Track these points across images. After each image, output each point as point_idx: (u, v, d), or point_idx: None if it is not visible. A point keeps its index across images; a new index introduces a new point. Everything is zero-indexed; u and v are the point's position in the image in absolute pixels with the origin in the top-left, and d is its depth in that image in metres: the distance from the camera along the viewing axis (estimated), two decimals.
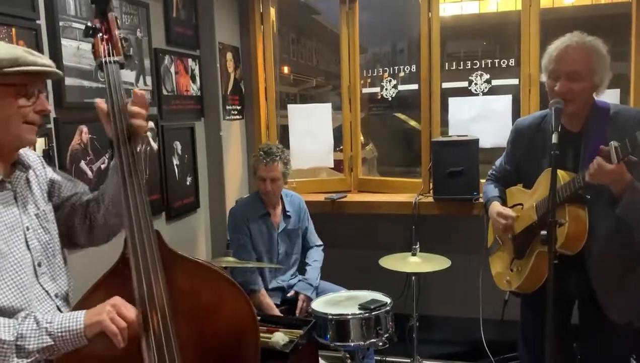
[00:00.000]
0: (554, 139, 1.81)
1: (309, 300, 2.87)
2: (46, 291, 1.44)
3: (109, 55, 1.59)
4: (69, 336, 1.31)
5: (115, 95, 1.57)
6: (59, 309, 1.46)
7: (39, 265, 1.44)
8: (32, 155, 1.59)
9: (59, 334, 1.30)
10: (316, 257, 3.15)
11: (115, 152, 1.52)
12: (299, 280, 3.03)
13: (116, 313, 1.34)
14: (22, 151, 1.50)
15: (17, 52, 1.37)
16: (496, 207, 2.24)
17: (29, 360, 1.28)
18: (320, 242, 3.22)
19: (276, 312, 2.84)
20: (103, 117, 1.53)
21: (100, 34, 1.61)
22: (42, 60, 1.41)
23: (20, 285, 1.36)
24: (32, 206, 1.49)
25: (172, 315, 1.45)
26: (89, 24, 1.62)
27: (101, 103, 1.52)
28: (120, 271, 1.49)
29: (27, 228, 1.43)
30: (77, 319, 1.33)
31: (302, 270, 3.13)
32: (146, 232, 1.48)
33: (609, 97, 2.11)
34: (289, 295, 2.96)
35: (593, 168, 1.80)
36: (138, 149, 1.55)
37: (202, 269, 1.58)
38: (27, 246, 1.43)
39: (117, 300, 1.37)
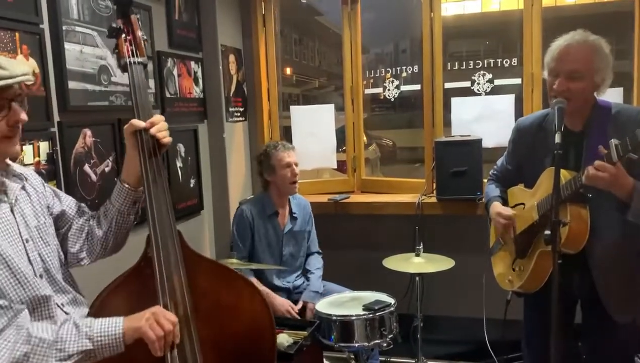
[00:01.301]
0: (557, 138, 1.81)
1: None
2: (54, 302, 1.42)
3: (134, 56, 1.60)
4: (108, 340, 1.31)
5: (140, 96, 1.58)
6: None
7: (41, 277, 1.42)
8: (30, 172, 1.57)
9: (99, 338, 1.30)
10: (318, 264, 3.15)
11: (140, 160, 1.53)
12: (305, 289, 3.02)
13: (155, 321, 1.34)
14: (16, 167, 1.48)
15: None
16: (496, 207, 2.25)
17: None
18: (319, 249, 3.23)
19: (273, 295, 2.83)
20: (130, 133, 1.55)
21: (124, 35, 1.62)
22: (14, 69, 1.32)
23: (26, 285, 1.34)
24: (32, 218, 1.46)
25: (193, 314, 1.46)
26: (114, 24, 1.63)
27: (137, 122, 1.54)
28: (142, 269, 1.50)
29: (27, 240, 1.40)
30: (117, 324, 1.33)
31: (305, 273, 3.14)
32: (169, 232, 1.50)
33: (612, 95, 2.11)
34: (297, 307, 2.93)
35: (591, 171, 1.79)
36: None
37: (221, 270, 1.61)
38: (28, 258, 1.40)
39: (157, 309, 1.38)
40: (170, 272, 1.45)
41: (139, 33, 1.63)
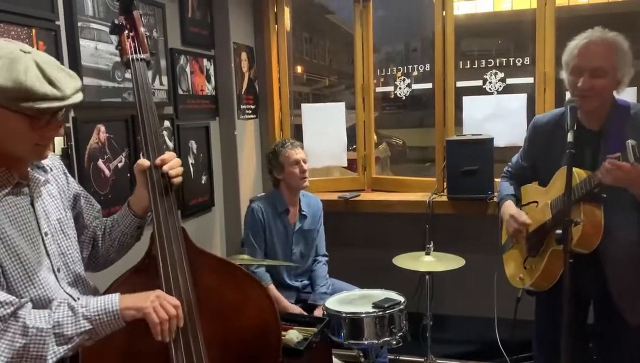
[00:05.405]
0: (570, 137, 1.80)
1: None
2: (69, 295, 1.43)
3: (136, 53, 1.59)
4: (107, 318, 1.30)
5: (143, 94, 1.56)
6: None
7: (58, 271, 1.42)
8: (55, 161, 1.55)
9: (96, 317, 1.29)
10: (323, 273, 3.10)
11: (150, 199, 1.50)
12: (311, 292, 3.03)
13: (159, 304, 1.33)
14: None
15: (28, 82, 1.19)
16: (510, 208, 2.23)
17: (69, 347, 1.27)
18: (326, 252, 3.19)
19: (286, 303, 2.84)
20: (139, 172, 1.53)
21: (126, 31, 1.61)
22: (65, 88, 1.25)
23: (36, 283, 1.34)
24: (54, 210, 1.45)
25: (198, 312, 1.45)
26: (116, 21, 1.62)
27: (143, 161, 1.52)
28: (146, 267, 1.50)
29: (46, 234, 1.40)
30: (112, 300, 1.32)
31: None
32: (173, 229, 1.49)
33: (626, 95, 2.09)
34: (309, 301, 2.94)
35: (605, 169, 1.78)
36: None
37: (226, 266, 1.60)
38: (46, 251, 1.39)
39: (161, 292, 1.38)
40: (175, 269, 1.45)
41: (142, 29, 1.61)
